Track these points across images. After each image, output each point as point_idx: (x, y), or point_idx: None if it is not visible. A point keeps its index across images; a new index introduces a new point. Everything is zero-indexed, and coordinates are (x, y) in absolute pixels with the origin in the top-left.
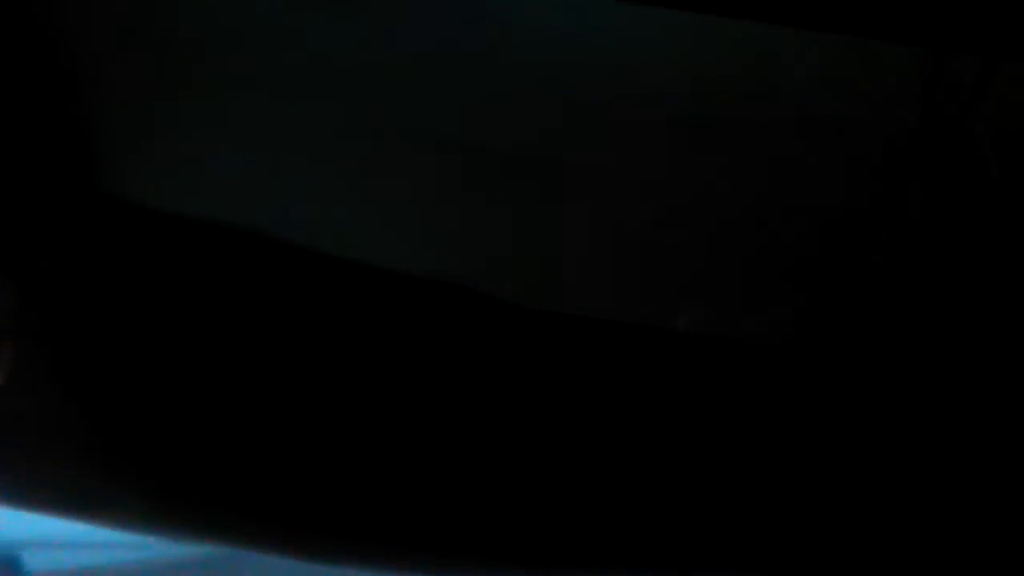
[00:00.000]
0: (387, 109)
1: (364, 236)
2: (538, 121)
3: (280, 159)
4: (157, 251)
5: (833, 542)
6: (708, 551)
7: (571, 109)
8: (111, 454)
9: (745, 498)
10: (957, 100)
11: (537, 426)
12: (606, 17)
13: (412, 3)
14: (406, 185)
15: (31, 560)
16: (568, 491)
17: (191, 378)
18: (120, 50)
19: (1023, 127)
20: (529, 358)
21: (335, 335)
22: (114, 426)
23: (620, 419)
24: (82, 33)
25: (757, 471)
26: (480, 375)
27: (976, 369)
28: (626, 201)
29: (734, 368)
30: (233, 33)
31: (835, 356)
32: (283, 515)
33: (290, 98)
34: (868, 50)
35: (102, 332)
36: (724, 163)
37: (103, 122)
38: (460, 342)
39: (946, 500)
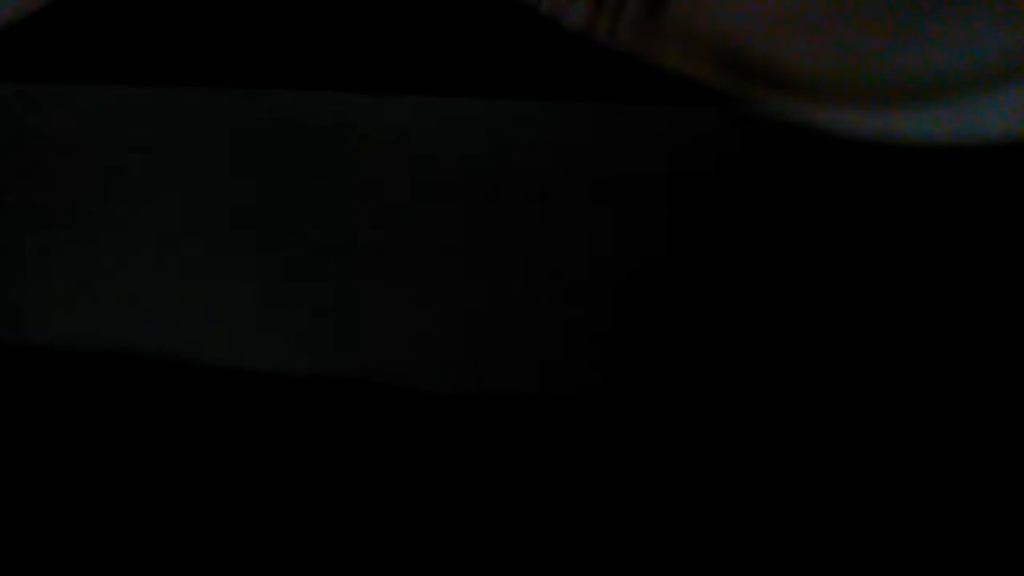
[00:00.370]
0: (208, 208)
1: (249, 343)
2: (351, 210)
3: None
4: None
5: None
6: None
7: (380, 196)
8: None
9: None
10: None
11: (458, 507)
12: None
13: (219, 102)
14: (250, 287)
15: None
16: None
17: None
18: None
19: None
20: (434, 443)
21: (238, 448)
22: None
23: (535, 491)
24: None
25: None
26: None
27: (845, 402)
28: (465, 280)
29: (616, 425)
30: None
31: (706, 403)
32: None
33: (120, 207)
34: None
35: None
36: (547, 231)
37: None
38: (368, 435)
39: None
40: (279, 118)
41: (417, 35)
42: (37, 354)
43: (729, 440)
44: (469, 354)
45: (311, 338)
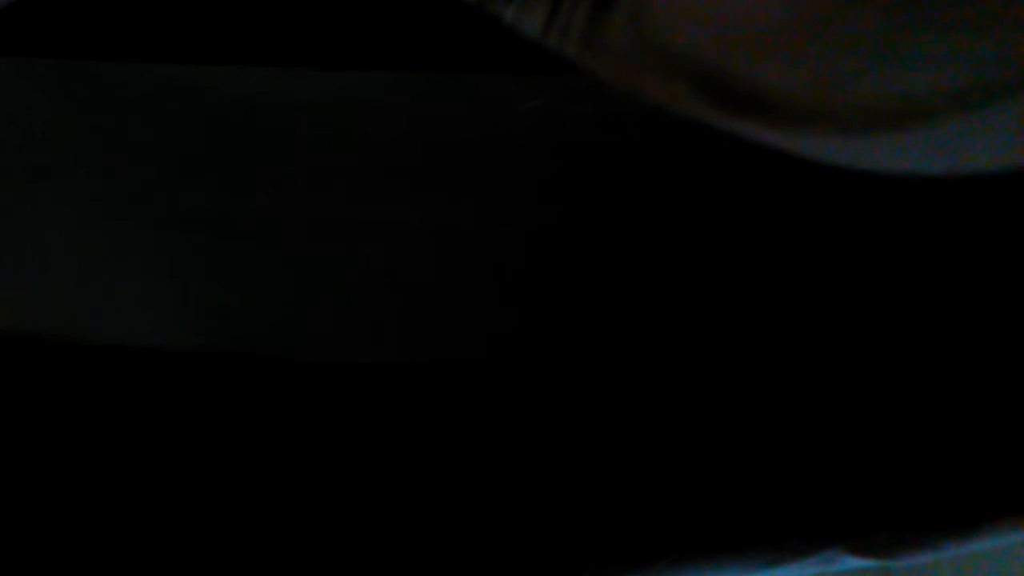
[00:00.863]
0: (126, 186)
1: (129, 319)
2: (273, 187)
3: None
4: None
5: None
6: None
7: (296, 171)
8: None
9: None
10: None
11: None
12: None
13: (148, 80)
14: (162, 263)
15: None
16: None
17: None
18: None
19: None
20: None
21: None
22: None
23: (417, 453)
24: None
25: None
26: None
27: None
28: (356, 248)
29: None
30: None
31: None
32: None
33: (30, 182)
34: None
35: None
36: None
37: None
38: (261, 407)
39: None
40: (169, 92)
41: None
42: None
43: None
44: (338, 324)
45: (184, 311)
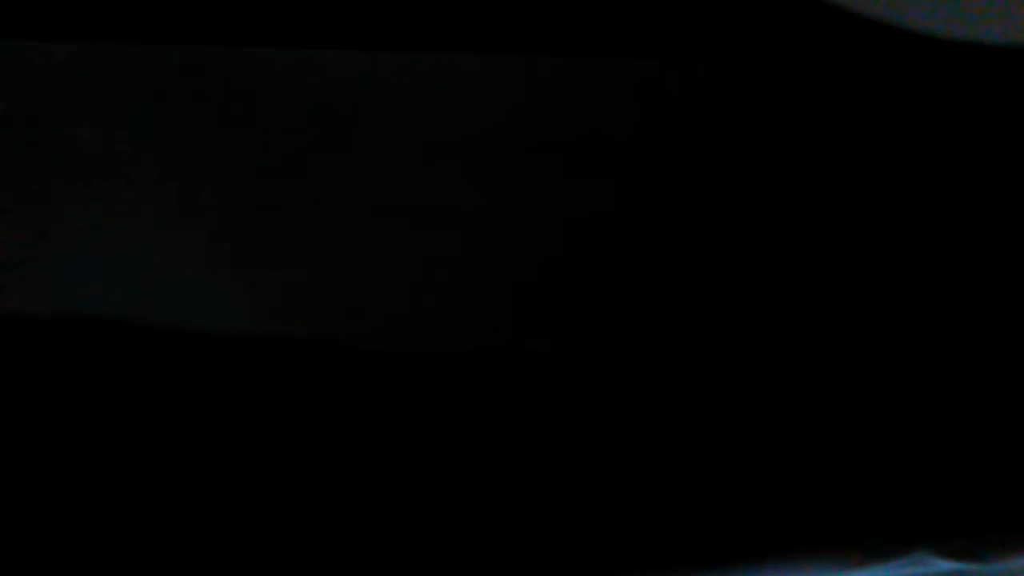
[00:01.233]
0: (194, 170)
1: (193, 304)
2: (343, 172)
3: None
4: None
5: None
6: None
7: (360, 157)
8: None
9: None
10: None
11: (435, 468)
12: (385, 68)
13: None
14: (226, 248)
15: None
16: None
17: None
18: None
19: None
20: (406, 402)
21: (220, 411)
22: None
23: (507, 444)
24: None
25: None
26: (364, 426)
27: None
28: (428, 236)
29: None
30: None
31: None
32: None
33: (99, 166)
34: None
35: None
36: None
37: None
38: (341, 396)
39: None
40: (232, 75)
41: None
42: (4, 320)
43: (656, 396)
44: (417, 312)
45: (250, 298)
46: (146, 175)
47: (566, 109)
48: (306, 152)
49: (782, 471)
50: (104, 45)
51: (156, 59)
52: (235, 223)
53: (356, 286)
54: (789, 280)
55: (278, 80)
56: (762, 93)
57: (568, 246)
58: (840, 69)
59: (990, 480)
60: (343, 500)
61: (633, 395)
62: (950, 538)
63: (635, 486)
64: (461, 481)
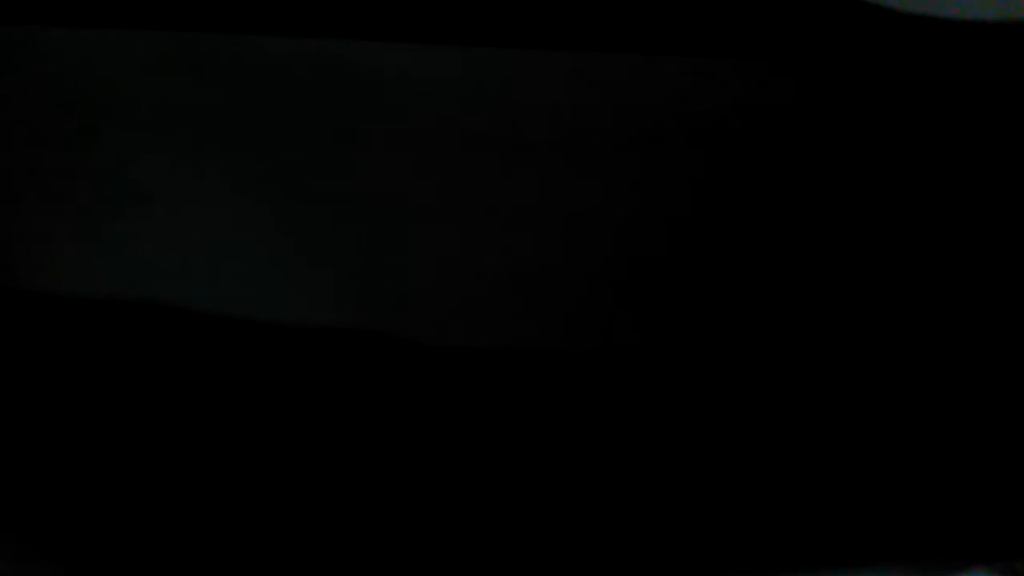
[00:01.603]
0: (256, 163)
1: (254, 293)
2: (378, 165)
3: (156, 227)
4: (55, 334)
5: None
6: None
7: (404, 151)
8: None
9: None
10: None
11: (477, 461)
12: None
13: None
14: (288, 241)
15: None
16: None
17: (106, 458)
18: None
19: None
20: (451, 394)
21: (266, 397)
22: (22, 511)
23: (547, 440)
24: None
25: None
26: (411, 416)
27: (823, 368)
28: (467, 232)
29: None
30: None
31: (691, 358)
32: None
33: (163, 157)
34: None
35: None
36: (554, 185)
37: None
38: (388, 385)
39: (806, 499)
40: (289, 69)
41: None
42: (62, 302)
43: (716, 393)
44: (470, 306)
45: (309, 289)
46: (208, 165)
47: (612, 104)
48: (356, 144)
49: (841, 485)
50: (149, 33)
51: (201, 48)
52: (292, 215)
53: (410, 281)
54: (819, 284)
55: (327, 72)
56: (794, 93)
57: (619, 245)
58: (857, 63)
59: None
60: (381, 489)
61: (687, 398)
62: (1008, 558)
63: (687, 489)
64: (488, 476)
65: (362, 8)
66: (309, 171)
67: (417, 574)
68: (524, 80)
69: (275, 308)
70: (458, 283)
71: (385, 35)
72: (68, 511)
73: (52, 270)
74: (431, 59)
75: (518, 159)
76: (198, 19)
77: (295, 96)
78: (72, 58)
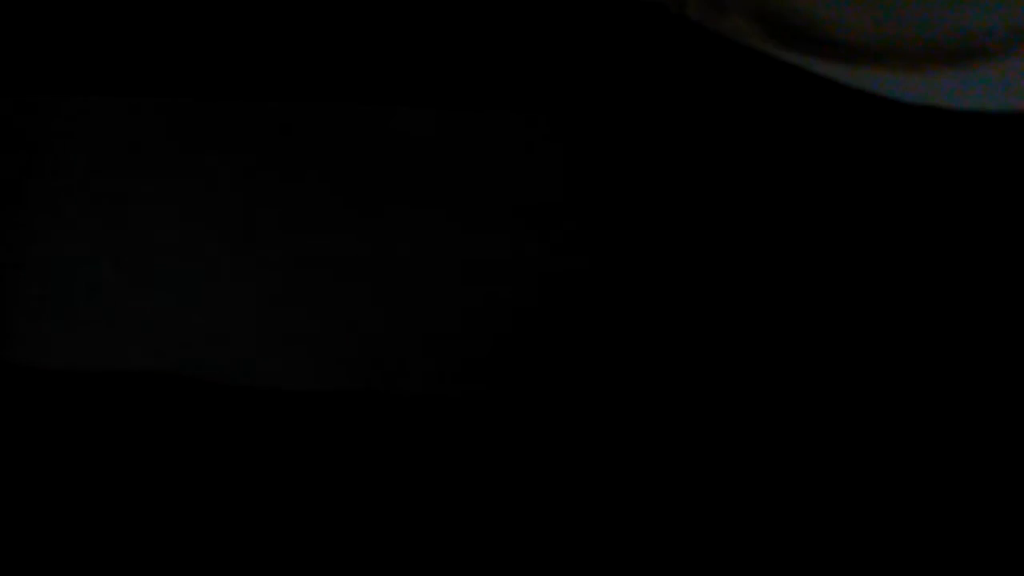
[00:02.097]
0: (252, 227)
1: (253, 359)
2: (396, 228)
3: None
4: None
5: None
6: None
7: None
8: None
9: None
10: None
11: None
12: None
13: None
14: (286, 304)
15: None
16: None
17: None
18: None
19: None
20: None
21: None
22: None
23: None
24: None
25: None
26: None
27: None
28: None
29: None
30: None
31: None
32: None
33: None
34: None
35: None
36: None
37: None
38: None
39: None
40: (275, 131)
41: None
42: (52, 376)
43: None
44: (460, 362)
45: (308, 352)
46: (204, 230)
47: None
48: (360, 208)
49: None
50: (179, 100)
51: (230, 115)
52: (289, 278)
53: (407, 340)
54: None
55: (333, 137)
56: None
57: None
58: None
59: None
60: (382, 541)
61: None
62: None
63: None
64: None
65: (374, 73)
66: (303, 234)
67: None
68: (508, 139)
69: (270, 373)
70: (455, 341)
71: (375, 97)
72: None
73: (50, 344)
74: (418, 122)
75: (511, 218)
76: (218, 85)
77: (287, 159)
78: (85, 126)
